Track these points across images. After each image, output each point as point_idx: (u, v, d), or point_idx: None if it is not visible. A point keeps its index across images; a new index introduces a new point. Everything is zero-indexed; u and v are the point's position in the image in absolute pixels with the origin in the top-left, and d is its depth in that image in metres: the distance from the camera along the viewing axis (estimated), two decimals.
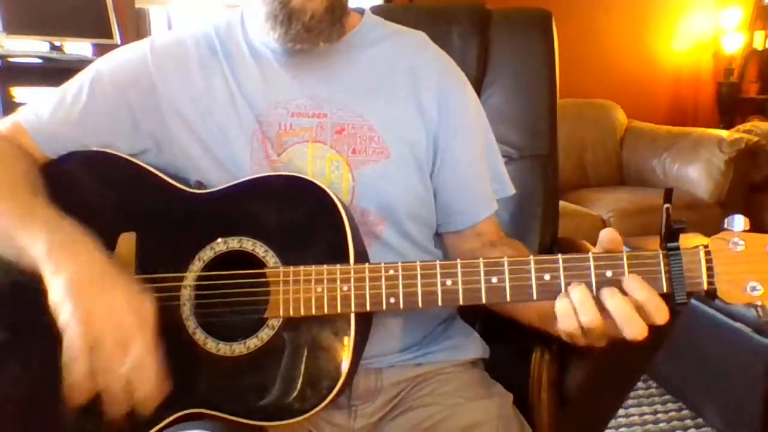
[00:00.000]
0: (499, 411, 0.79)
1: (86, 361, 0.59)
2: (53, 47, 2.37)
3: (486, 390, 0.83)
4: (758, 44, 3.75)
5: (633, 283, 0.59)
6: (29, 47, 2.37)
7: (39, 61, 2.30)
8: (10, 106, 2.12)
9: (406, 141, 0.81)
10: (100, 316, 0.59)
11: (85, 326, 0.59)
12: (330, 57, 0.81)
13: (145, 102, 0.80)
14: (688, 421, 1.83)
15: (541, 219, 1.09)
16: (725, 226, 0.59)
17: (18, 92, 2.21)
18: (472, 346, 0.89)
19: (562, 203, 1.16)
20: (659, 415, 1.86)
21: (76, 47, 2.45)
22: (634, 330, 0.57)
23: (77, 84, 0.82)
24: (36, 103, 0.82)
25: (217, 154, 0.79)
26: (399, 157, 0.80)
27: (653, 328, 0.58)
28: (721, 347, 1.66)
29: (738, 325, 1.58)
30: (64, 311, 0.60)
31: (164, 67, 0.81)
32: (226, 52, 0.82)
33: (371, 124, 0.80)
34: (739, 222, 0.58)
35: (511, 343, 0.92)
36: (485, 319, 0.98)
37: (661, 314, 0.58)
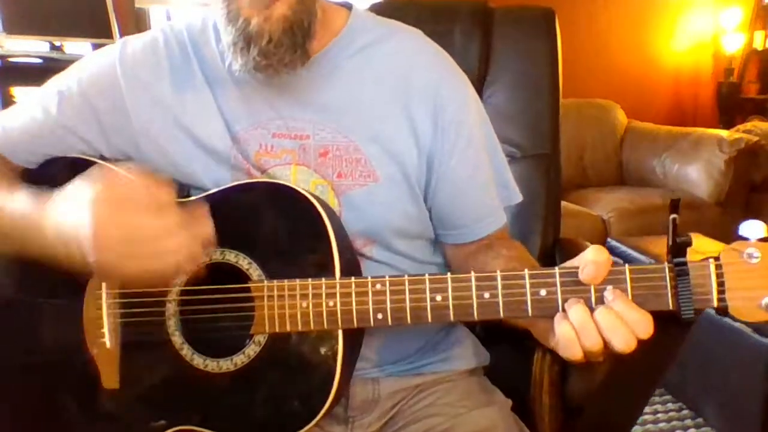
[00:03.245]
0: (501, 419, 0.78)
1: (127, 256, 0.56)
2: (53, 47, 2.37)
3: (487, 398, 0.81)
4: (758, 44, 3.75)
5: (609, 294, 0.56)
6: (29, 47, 2.37)
7: (39, 61, 2.30)
8: (9, 106, 2.11)
9: (395, 161, 0.75)
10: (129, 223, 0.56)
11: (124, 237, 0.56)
12: (311, 73, 0.74)
13: (113, 116, 0.76)
14: (688, 421, 1.83)
15: (543, 219, 1.08)
16: (740, 233, 0.54)
17: (18, 92, 2.21)
18: (472, 355, 0.87)
19: (562, 203, 1.15)
20: (659, 415, 1.86)
21: (76, 47, 2.45)
22: (620, 341, 0.55)
23: (46, 96, 0.78)
24: (3, 117, 0.79)
25: (192, 172, 0.75)
26: (388, 179, 0.75)
27: (664, 340, 0.56)
28: (722, 347, 1.66)
29: (738, 325, 1.58)
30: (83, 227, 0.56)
31: (133, 79, 0.76)
32: (200, 59, 0.76)
33: (357, 145, 0.74)
34: (756, 229, 0.54)
35: (512, 345, 0.91)
36: (485, 322, 0.98)
37: (642, 329, 0.55)
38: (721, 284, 0.54)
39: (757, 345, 1.53)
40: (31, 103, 0.78)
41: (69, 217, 0.58)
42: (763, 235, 0.54)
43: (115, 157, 0.78)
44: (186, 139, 0.75)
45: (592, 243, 0.98)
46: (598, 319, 0.56)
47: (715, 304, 0.54)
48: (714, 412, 1.76)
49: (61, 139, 0.76)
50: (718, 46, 3.74)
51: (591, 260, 0.56)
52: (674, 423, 1.82)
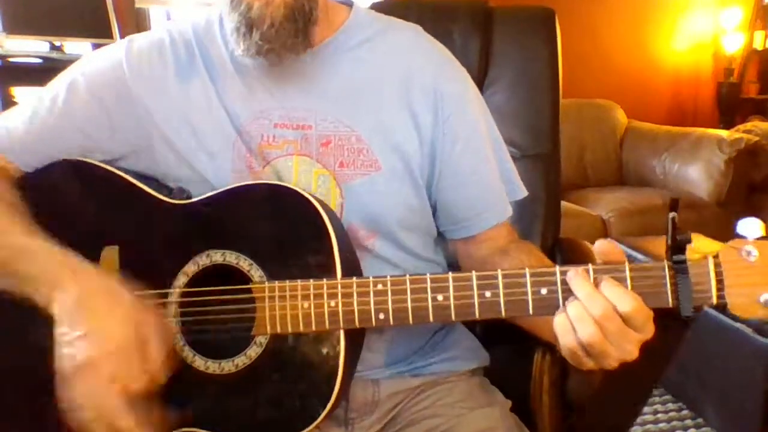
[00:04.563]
0: (502, 419, 0.78)
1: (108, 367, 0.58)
2: (53, 47, 2.37)
3: (487, 398, 0.81)
4: (758, 44, 3.75)
5: (608, 287, 0.56)
6: (29, 47, 2.37)
7: (39, 61, 2.30)
8: (10, 106, 2.10)
9: (397, 151, 0.76)
10: (112, 330, 0.59)
11: (98, 343, 0.58)
12: (314, 63, 0.75)
13: (121, 110, 0.76)
14: (688, 421, 1.83)
15: (543, 219, 1.08)
16: (738, 230, 0.55)
17: (18, 92, 2.22)
18: (472, 356, 0.87)
19: (562, 203, 1.15)
20: (659, 415, 1.86)
21: (76, 47, 2.44)
22: (587, 331, 0.55)
23: (51, 93, 0.77)
24: (6, 117, 0.79)
25: (196, 165, 0.76)
26: (390, 169, 0.75)
27: (664, 338, 0.56)
28: (722, 347, 1.66)
29: (739, 325, 1.58)
30: (75, 329, 0.58)
31: (140, 74, 0.77)
32: (205, 56, 0.77)
33: (359, 134, 0.75)
34: (754, 227, 0.54)
35: (512, 346, 0.91)
36: (486, 321, 0.98)
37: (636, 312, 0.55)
38: (720, 281, 0.54)
39: (757, 345, 1.53)
40: (35, 101, 0.78)
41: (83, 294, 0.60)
42: (760, 233, 0.54)
43: (119, 153, 0.78)
44: (190, 133, 0.76)
45: (592, 243, 0.98)
46: (587, 306, 0.56)
47: (715, 301, 0.55)
48: (714, 412, 1.76)
49: (65, 137, 0.76)
50: (718, 46, 3.74)
51: (603, 243, 0.59)
52: (674, 423, 1.82)
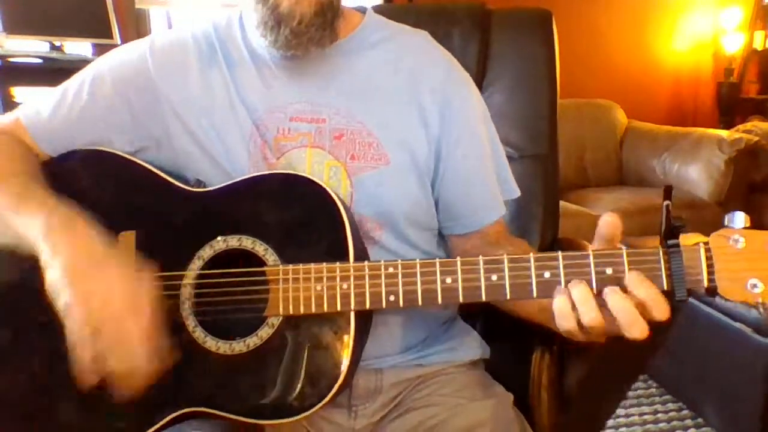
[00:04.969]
0: (500, 411, 0.79)
1: (90, 343, 0.59)
2: (53, 47, 2.37)
3: (486, 390, 0.83)
4: (758, 44, 3.75)
5: (635, 280, 0.58)
6: (29, 47, 2.37)
7: (39, 61, 2.29)
8: (10, 106, 2.12)
9: (406, 147, 0.79)
10: (98, 300, 0.60)
11: (85, 310, 0.59)
12: (330, 60, 0.79)
13: (144, 101, 0.80)
14: (688, 421, 1.83)
15: (541, 219, 1.09)
16: (725, 223, 0.58)
17: (18, 92, 2.22)
18: (473, 347, 0.88)
19: (561, 203, 1.16)
20: (659, 415, 1.86)
21: (76, 47, 2.45)
22: (635, 329, 0.57)
23: (78, 82, 0.82)
24: (36, 101, 0.82)
25: (215, 155, 0.79)
26: (398, 163, 0.78)
27: (653, 326, 0.57)
28: (722, 347, 1.66)
29: (738, 325, 1.58)
30: (63, 295, 0.60)
31: (163, 66, 0.81)
32: (225, 53, 0.81)
33: (370, 129, 0.78)
34: (739, 219, 0.58)
35: (511, 343, 0.92)
36: (486, 319, 0.98)
37: (662, 310, 0.57)
38: (710, 266, 0.58)
39: (757, 345, 1.53)
40: (61, 91, 0.82)
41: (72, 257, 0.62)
42: (746, 225, 0.58)
43: (140, 145, 0.81)
44: (209, 125, 0.79)
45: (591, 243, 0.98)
46: (615, 308, 0.57)
47: (706, 284, 0.58)
48: (714, 412, 1.76)
49: (89, 129, 0.80)
50: (718, 46, 3.74)
51: (606, 217, 0.60)
52: (674, 423, 1.82)
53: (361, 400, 0.81)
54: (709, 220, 2.60)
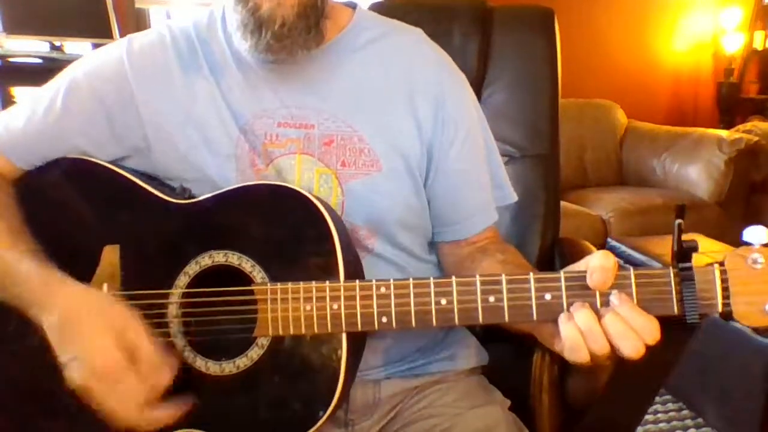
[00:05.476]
0: (501, 418, 0.78)
1: (90, 396, 0.59)
2: (53, 47, 2.37)
3: (485, 398, 0.81)
4: (758, 44, 3.75)
5: (615, 299, 0.55)
6: (29, 47, 2.37)
7: (39, 61, 2.30)
8: (10, 107, 2.12)
9: (398, 152, 0.76)
10: (92, 361, 0.59)
11: (87, 369, 0.59)
12: (317, 63, 0.75)
13: (122, 110, 0.75)
14: (688, 421, 1.82)
15: (542, 219, 1.08)
16: (744, 238, 0.54)
17: (18, 92, 2.22)
18: (471, 355, 0.87)
19: (562, 203, 1.15)
20: (659, 415, 1.86)
21: (76, 47, 2.44)
22: (628, 347, 0.54)
23: (51, 92, 0.76)
24: (5, 116, 0.78)
25: (200, 163, 0.75)
26: (391, 169, 0.75)
27: (668, 343, 0.55)
28: (722, 347, 1.66)
29: (739, 325, 1.58)
30: (65, 353, 0.60)
31: (142, 72, 0.75)
32: (207, 55, 0.76)
33: (361, 134, 0.75)
34: (759, 234, 0.53)
35: (511, 345, 0.91)
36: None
37: (649, 334, 0.54)
38: (725, 290, 0.54)
39: (757, 345, 1.53)
40: (33, 101, 0.77)
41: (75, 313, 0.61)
42: (766, 240, 0.53)
43: (120, 154, 0.77)
44: (193, 130, 0.75)
45: (591, 243, 0.98)
46: (606, 325, 0.55)
47: (720, 309, 0.54)
48: (714, 412, 1.76)
49: (65, 137, 0.75)
50: (718, 46, 3.74)
51: (599, 266, 0.55)
52: (674, 423, 1.82)
53: (358, 414, 0.79)
54: (710, 221, 2.61)
